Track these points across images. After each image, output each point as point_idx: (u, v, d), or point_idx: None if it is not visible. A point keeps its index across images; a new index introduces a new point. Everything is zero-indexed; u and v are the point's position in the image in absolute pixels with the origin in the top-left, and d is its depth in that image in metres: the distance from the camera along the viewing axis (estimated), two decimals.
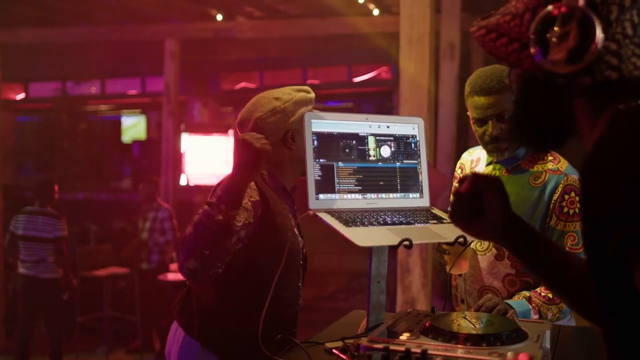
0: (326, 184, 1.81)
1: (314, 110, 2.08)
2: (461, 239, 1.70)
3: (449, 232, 1.76)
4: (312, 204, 1.78)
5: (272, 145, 1.91)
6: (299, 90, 2.17)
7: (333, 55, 9.93)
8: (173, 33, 8.93)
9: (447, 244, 2.00)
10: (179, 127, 9.00)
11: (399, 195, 1.93)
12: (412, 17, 3.95)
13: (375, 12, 8.42)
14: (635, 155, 0.93)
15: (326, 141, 1.84)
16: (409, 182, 1.95)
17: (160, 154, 9.07)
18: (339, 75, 10.65)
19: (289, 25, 8.89)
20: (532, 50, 1.11)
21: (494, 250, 2.27)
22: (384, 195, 1.90)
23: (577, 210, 2.19)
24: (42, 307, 5.92)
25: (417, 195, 1.97)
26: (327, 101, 11.88)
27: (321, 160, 1.82)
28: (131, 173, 11.36)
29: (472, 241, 2.14)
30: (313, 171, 1.80)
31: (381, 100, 10.80)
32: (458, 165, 2.57)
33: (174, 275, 6.89)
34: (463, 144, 6.37)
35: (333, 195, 1.82)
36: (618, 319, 0.99)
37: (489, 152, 2.32)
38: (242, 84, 11.14)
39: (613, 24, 1.05)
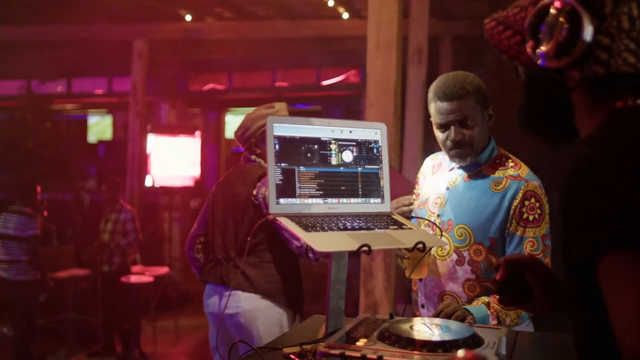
0: (287, 189, 1.80)
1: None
2: (420, 245, 1.70)
3: (408, 237, 1.76)
4: (273, 208, 1.77)
5: None
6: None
7: (302, 58, 9.92)
8: (142, 33, 8.92)
9: (406, 249, 2.00)
10: (145, 127, 8.93)
11: (360, 200, 1.93)
12: (380, 21, 3.96)
13: (345, 15, 8.43)
14: (615, 160, 0.91)
15: (288, 145, 1.83)
16: (370, 187, 1.95)
17: (126, 155, 8.99)
18: (308, 78, 10.65)
19: (258, 27, 8.87)
20: (527, 43, 1.11)
21: (454, 255, 2.28)
22: (345, 200, 1.90)
23: (536, 216, 2.21)
24: (11, 310, 5.85)
25: (378, 200, 1.97)
26: (296, 104, 11.87)
27: (282, 164, 1.81)
28: (96, 173, 11.21)
29: (431, 247, 2.15)
30: (274, 175, 1.79)
31: (349, 103, 10.83)
32: (420, 170, 2.58)
33: (137, 278, 6.82)
34: (430, 148, 6.39)
35: (294, 200, 1.81)
36: (586, 318, 1.00)
37: (451, 158, 2.33)
38: (211, 85, 11.08)
39: (608, 18, 1.04)
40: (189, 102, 11.45)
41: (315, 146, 1.87)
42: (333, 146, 1.90)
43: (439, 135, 2.31)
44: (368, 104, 3.97)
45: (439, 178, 2.43)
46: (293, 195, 1.81)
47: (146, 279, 6.90)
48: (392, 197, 2.26)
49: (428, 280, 2.34)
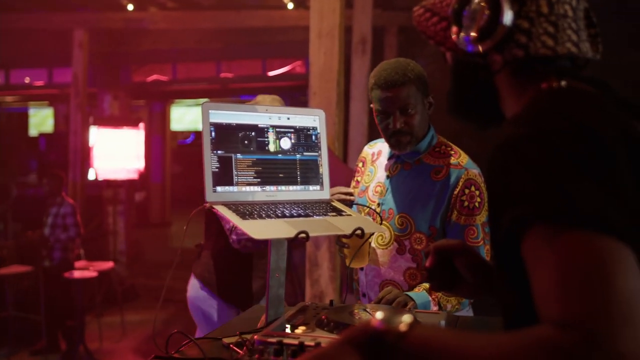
0: (224, 176, 1.78)
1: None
2: (358, 232, 1.69)
3: (346, 224, 1.75)
4: (209, 196, 1.74)
5: None
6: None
7: (247, 49, 9.84)
8: (82, 22, 8.69)
9: (344, 236, 1.99)
10: (87, 120, 8.74)
11: (299, 187, 1.91)
12: (322, 10, 3.94)
13: (290, 5, 8.38)
14: (539, 137, 0.92)
15: (224, 132, 1.80)
16: (309, 175, 1.94)
17: (68, 148, 8.79)
18: (253, 69, 10.56)
19: (202, 17, 8.74)
20: (452, 29, 1.12)
21: (395, 244, 2.28)
22: (283, 187, 1.88)
23: (476, 204, 2.22)
24: None
25: (318, 187, 1.96)
26: (242, 95, 11.78)
27: (219, 151, 1.78)
28: (37, 167, 10.94)
29: (370, 234, 2.14)
30: (210, 163, 1.76)
31: (296, 94, 10.79)
32: (359, 158, 2.58)
33: (80, 273, 6.68)
34: (374, 138, 6.43)
35: (231, 188, 1.79)
36: (513, 297, 1.01)
37: (391, 146, 2.33)
38: (154, 76, 10.90)
39: (527, 2, 1.06)
40: (133, 93, 11.24)
41: (253, 133, 1.84)
42: (271, 133, 1.88)
43: (380, 122, 2.30)
44: (311, 93, 3.96)
45: (379, 166, 2.43)
46: (230, 183, 1.78)
47: (89, 274, 6.76)
48: (336, 186, 2.26)
49: (369, 269, 2.34)
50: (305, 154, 1.94)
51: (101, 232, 9.40)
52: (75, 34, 8.68)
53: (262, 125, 1.87)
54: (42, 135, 12.26)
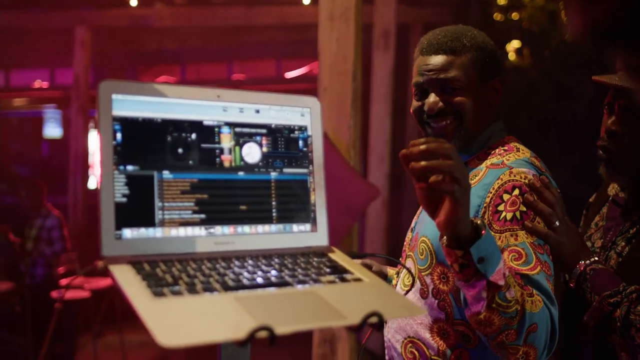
0: (138, 211, 1.00)
1: None
2: (374, 318, 0.90)
3: (354, 302, 0.96)
4: (108, 246, 0.97)
5: None
6: None
7: (261, 48, 9.13)
8: (84, 20, 8.36)
9: (350, 328, 1.14)
10: (89, 124, 8.35)
11: (274, 228, 1.12)
12: None
13: (306, 1, 7.71)
14: None
15: (140, 134, 1.02)
16: (292, 206, 1.14)
17: (69, 154, 8.27)
18: (268, 70, 9.87)
19: (211, 13, 8.24)
20: None
21: (417, 284, 1.59)
22: (247, 228, 1.10)
23: (517, 214, 1.43)
24: None
25: (307, 227, 1.16)
26: None
27: (129, 167, 1.01)
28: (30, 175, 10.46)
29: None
30: (113, 187, 0.99)
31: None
32: None
33: (72, 293, 6.06)
34: (399, 145, 5.66)
35: (150, 231, 1.01)
36: None
37: (427, 136, 1.60)
38: (163, 78, 10.22)
39: None
40: None
41: (193, 136, 1.07)
42: (225, 136, 1.09)
43: (414, 104, 1.62)
44: (321, 89, 3.18)
45: None
46: (149, 223, 1.01)
47: (82, 294, 6.10)
48: (353, 209, 1.53)
49: (391, 321, 1.64)
50: (286, 170, 1.15)
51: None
52: (76, 32, 8.42)
53: (210, 122, 1.08)
54: (46, 141, 11.65)
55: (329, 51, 3.11)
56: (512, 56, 7.32)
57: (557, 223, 1.43)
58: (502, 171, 1.48)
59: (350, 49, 3.08)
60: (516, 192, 1.44)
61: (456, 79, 1.54)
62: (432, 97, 1.56)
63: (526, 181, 1.44)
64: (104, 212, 0.97)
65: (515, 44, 7.29)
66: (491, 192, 1.46)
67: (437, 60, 1.55)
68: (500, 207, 1.43)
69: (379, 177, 6.14)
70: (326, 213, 1.17)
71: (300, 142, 1.16)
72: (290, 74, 9.81)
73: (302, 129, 1.16)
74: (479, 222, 1.19)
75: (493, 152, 1.58)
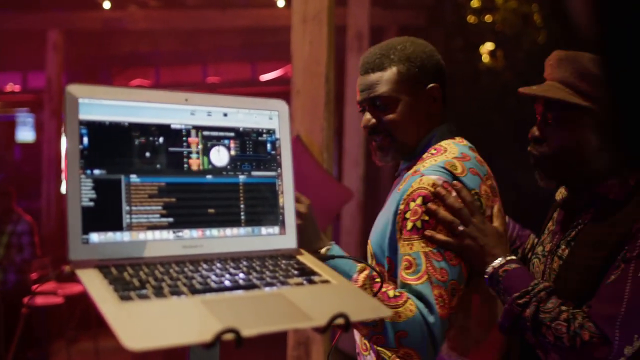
0: (105, 215, 1.00)
1: None
2: (340, 320, 0.91)
3: (321, 304, 0.97)
4: (75, 251, 0.97)
5: None
6: None
7: (235, 51, 9.10)
8: (56, 23, 8.26)
9: (317, 330, 1.14)
10: (62, 128, 8.21)
11: (242, 230, 1.13)
12: None
13: (280, 3, 7.70)
14: None
15: (107, 137, 1.02)
16: (260, 209, 1.15)
17: (42, 158, 8.16)
18: (242, 73, 9.83)
19: (186, 16, 8.14)
20: None
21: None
22: (215, 231, 1.10)
23: (418, 223, 1.45)
24: None
25: (275, 230, 1.17)
26: None
27: (96, 171, 1.01)
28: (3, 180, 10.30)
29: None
30: (80, 192, 0.99)
31: (290, 101, 10.07)
32: None
33: (44, 299, 5.96)
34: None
35: (118, 235, 1.01)
36: None
37: (373, 153, 1.67)
38: (137, 81, 10.14)
39: None
40: None
41: (161, 140, 1.07)
42: (194, 140, 1.10)
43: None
44: (294, 91, 3.19)
45: None
46: (116, 227, 1.01)
47: (54, 299, 6.03)
48: (326, 212, 1.53)
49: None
50: (254, 174, 1.15)
51: None
52: (49, 35, 8.29)
53: (178, 126, 1.09)
54: (18, 145, 11.50)
55: (302, 54, 3.12)
56: (485, 58, 7.39)
57: (461, 228, 1.43)
58: (415, 179, 1.50)
59: (323, 51, 3.09)
60: (419, 201, 1.46)
61: (384, 95, 1.57)
62: (367, 115, 1.62)
63: (431, 189, 1.46)
64: (70, 217, 0.97)
65: (489, 46, 7.36)
66: (404, 200, 1.49)
67: (368, 79, 1.59)
68: (407, 215, 1.47)
69: (354, 179, 6.16)
70: (294, 216, 1.17)
71: (269, 145, 1.17)
72: (265, 77, 9.78)
73: (270, 132, 1.17)
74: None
75: (425, 156, 1.60)
